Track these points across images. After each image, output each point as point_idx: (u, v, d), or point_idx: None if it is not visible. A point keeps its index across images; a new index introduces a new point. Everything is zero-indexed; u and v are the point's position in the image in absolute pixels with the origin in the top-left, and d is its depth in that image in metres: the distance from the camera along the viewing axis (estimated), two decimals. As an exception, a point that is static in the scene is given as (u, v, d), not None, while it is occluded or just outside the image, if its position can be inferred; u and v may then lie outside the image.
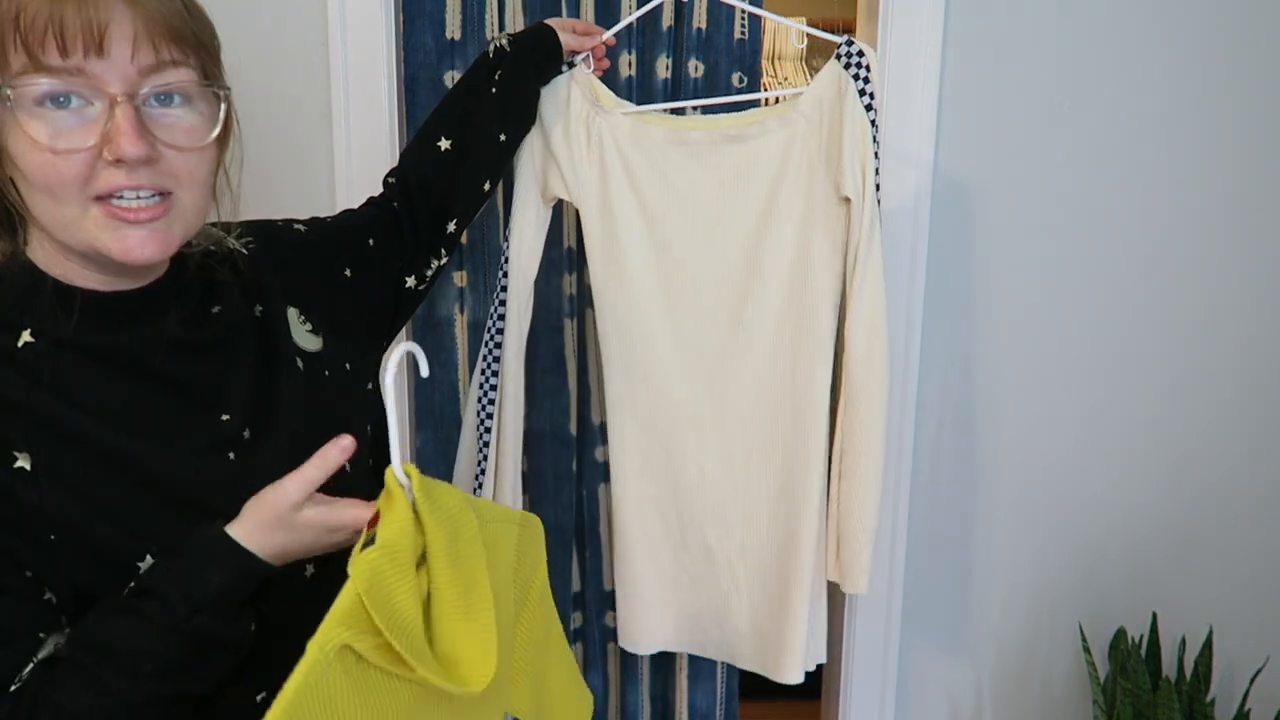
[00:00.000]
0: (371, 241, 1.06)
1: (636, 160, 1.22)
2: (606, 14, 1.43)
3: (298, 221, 1.02)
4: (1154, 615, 1.54)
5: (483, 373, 1.30)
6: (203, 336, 0.82)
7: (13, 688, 0.69)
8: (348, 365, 0.95)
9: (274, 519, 0.73)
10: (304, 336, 0.92)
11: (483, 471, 1.32)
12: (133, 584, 0.73)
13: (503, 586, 0.80)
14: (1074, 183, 1.46)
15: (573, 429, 1.53)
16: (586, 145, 1.23)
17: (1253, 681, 1.48)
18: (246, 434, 0.81)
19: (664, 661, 1.65)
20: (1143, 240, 1.47)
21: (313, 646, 0.63)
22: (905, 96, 1.41)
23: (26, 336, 0.74)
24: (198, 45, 0.74)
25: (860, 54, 1.14)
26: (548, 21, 1.22)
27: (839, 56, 1.15)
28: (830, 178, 1.17)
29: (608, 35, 1.25)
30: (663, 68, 1.43)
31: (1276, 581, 1.57)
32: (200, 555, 0.72)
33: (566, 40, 1.22)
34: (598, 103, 1.23)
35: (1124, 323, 1.50)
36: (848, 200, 1.15)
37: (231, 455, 0.80)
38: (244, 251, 0.91)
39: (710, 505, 1.28)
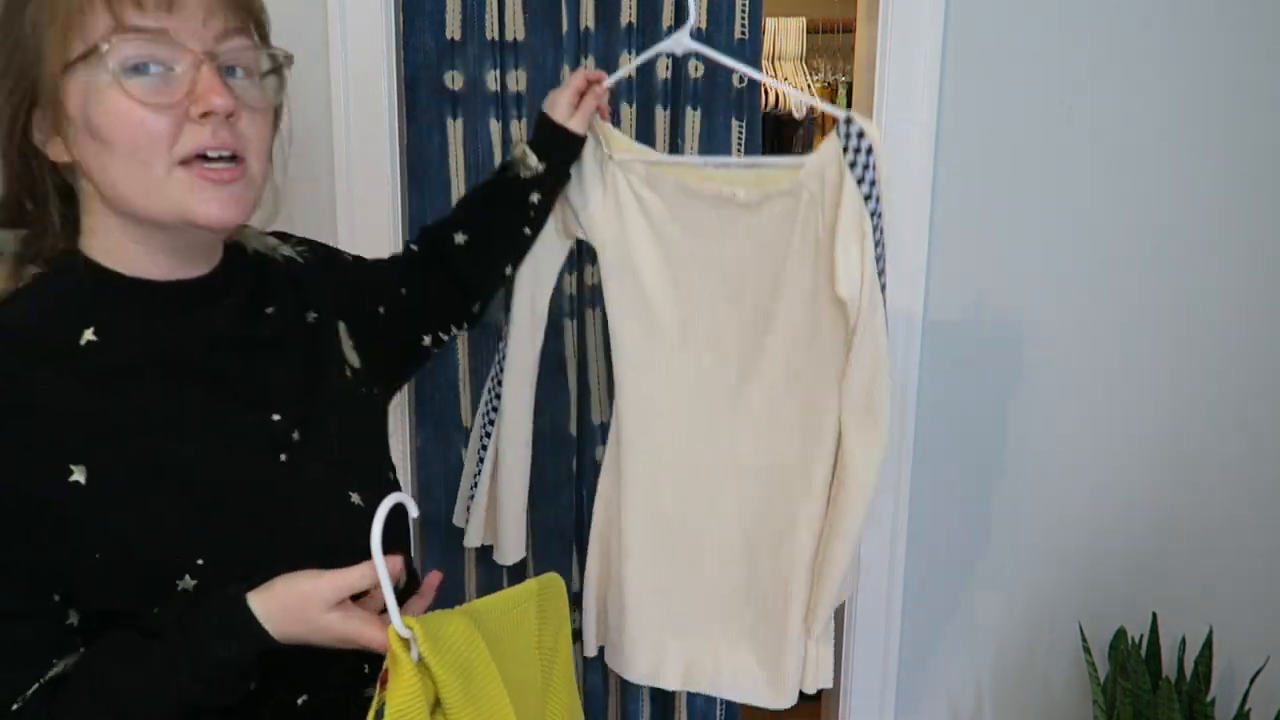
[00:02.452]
0: (403, 291, 1.07)
1: (654, 204, 1.19)
2: (606, 13, 1.43)
3: (344, 252, 1.05)
4: (1154, 615, 1.54)
5: (487, 394, 1.31)
6: (255, 333, 0.83)
7: (15, 706, 0.70)
8: (375, 391, 0.97)
9: (299, 610, 0.72)
10: (350, 351, 0.93)
11: (475, 486, 1.33)
12: (155, 612, 0.73)
13: (525, 670, 0.80)
14: (1074, 183, 1.46)
15: (573, 429, 1.53)
16: (602, 191, 1.20)
17: (1253, 681, 1.48)
18: (296, 436, 0.82)
19: (664, 661, 1.65)
20: (1143, 240, 1.47)
21: None
22: (905, 97, 1.41)
23: (89, 335, 0.74)
24: (257, 19, 0.78)
25: (861, 135, 1.02)
26: (546, 107, 1.15)
27: (839, 135, 1.05)
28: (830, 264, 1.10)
29: (609, 82, 1.17)
30: (663, 67, 1.44)
31: (1276, 581, 1.57)
32: (216, 623, 0.72)
33: (567, 106, 1.14)
34: (610, 149, 1.20)
35: (1124, 323, 1.50)
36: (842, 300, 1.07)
37: (283, 457, 0.80)
38: (299, 260, 0.94)
39: (710, 542, 1.26)
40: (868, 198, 1.04)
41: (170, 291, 0.78)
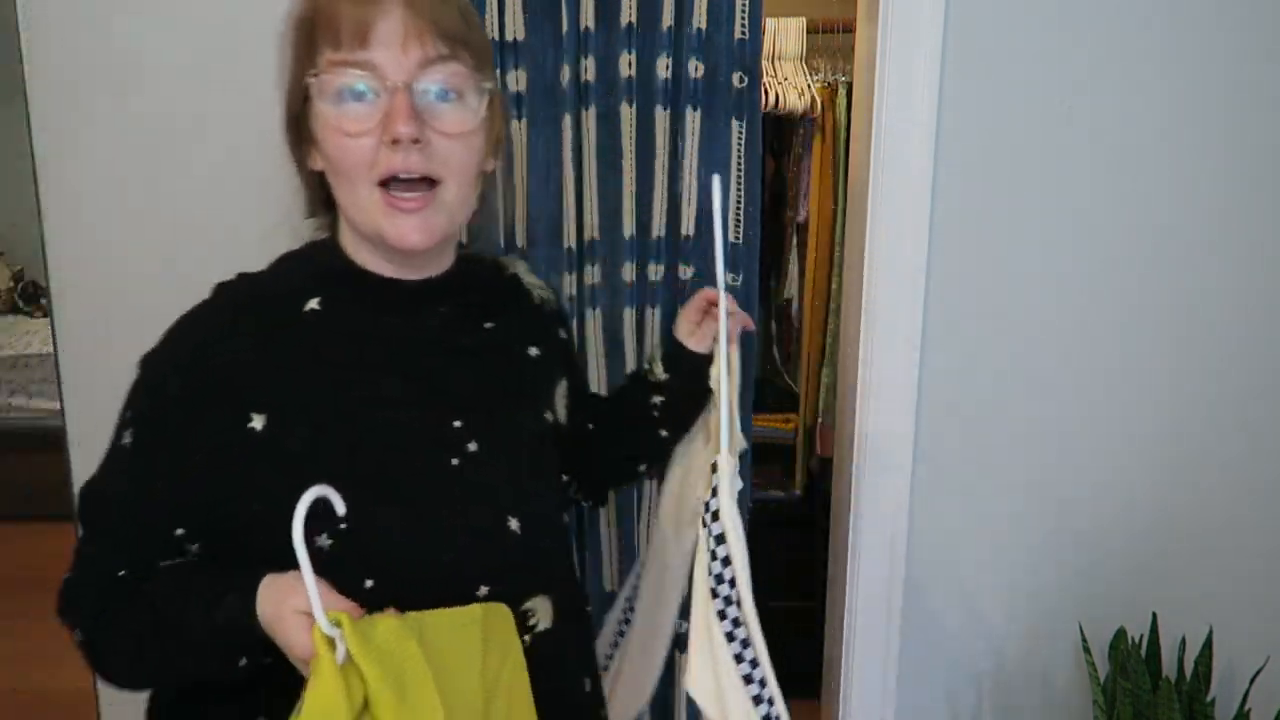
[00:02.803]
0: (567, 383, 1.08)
1: None
2: (606, 13, 1.43)
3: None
4: (1154, 615, 1.53)
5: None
6: (462, 341, 0.90)
7: (121, 573, 0.81)
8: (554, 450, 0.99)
9: (282, 593, 0.73)
10: (561, 406, 0.98)
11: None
12: (219, 568, 0.80)
13: (467, 692, 0.78)
14: (1074, 183, 1.46)
15: (573, 429, 1.54)
16: None
17: (1253, 681, 1.48)
18: (473, 446, 0.86)
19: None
20: (1143, 240, 1.47)
21: None
22: (905, 97, 1.41)
23: (313, 304, 0.84)
24: (467, 44, 0.81)
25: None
26: (679, 332, 1.08)
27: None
28: None
29: (727, 309, 1.01)
30: (663, 67, 1.44)
31: (1276, 581, 1.57)
32: (238, 581, 0.76)
33: (687, 324, 1.08)
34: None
35: (1124, 323, 1.50)
36: None
37: (454, 461, 0.84)
38: (531, 292, 1.00)
39: None
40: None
41: (389, 287, 0.86)
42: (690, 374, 1.06)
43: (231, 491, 0.79)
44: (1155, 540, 1.57)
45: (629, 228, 1.50)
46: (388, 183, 0.79)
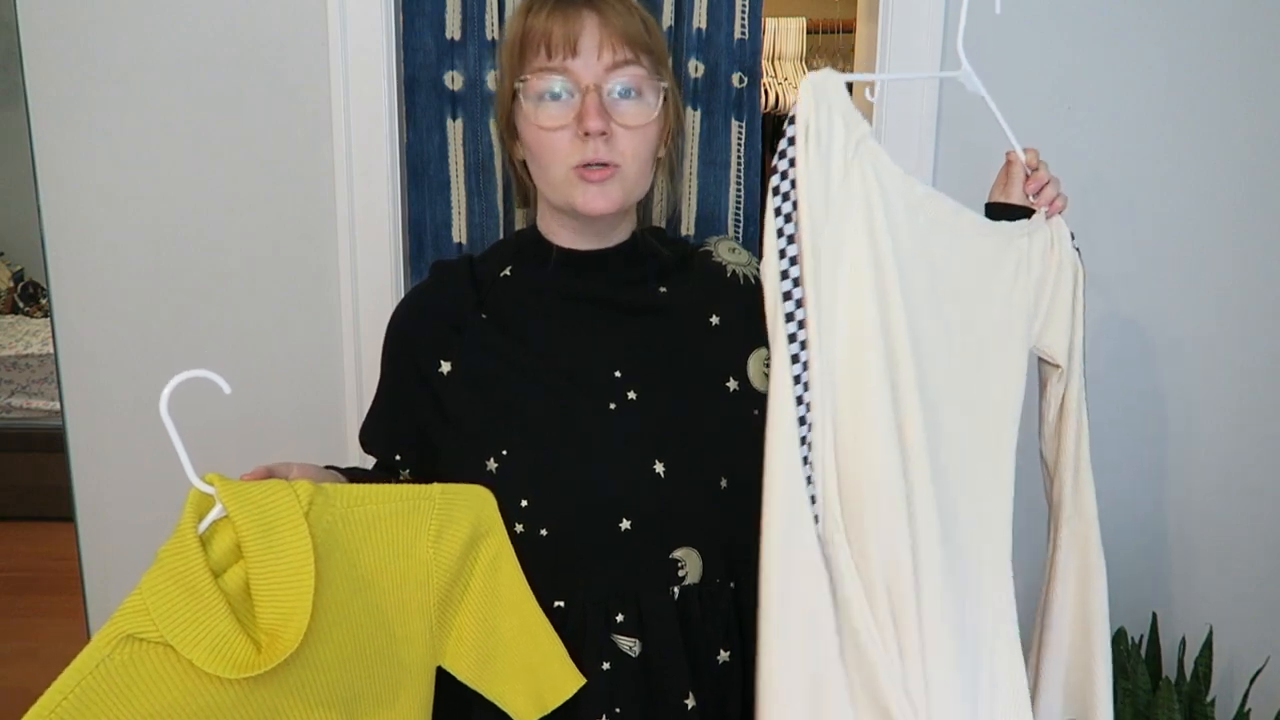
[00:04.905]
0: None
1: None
2: (606, 14, 1.42)
3: None
4: (1154, 615, 1.54)
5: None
6: (630, 300, 1.01)
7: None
8: (755, 413, 0.94)
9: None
10: (756, 373, 1.00)
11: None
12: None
13: (392, 568, 0.84)
14: (1075, 183, 1.45)
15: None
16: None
17: (1253, 681, 1.48)
18: (632, 395, 0.96)
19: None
20: (1143, 241, 1.47)
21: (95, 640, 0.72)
22: (905, 97, 1.41)
23: (506, 271, 1.03)
24: (648, 50, 0.96)
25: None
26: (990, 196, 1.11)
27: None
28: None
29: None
30: (663, 68, 1.44)
31: (1276, 581, 1.57)
32: None
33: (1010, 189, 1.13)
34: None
35: (1123, 323, 1.50)
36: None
37: (611, 406, 0.95)
38: (725, 267, 1.06)
39: None
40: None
41: (572, 255, 1.01)
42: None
43: (431, 422, 0.98)
44: (1155, 540, 1.57)
45: (629, 228, 1.50)
46: (576, 166, 0.94)
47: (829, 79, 0.85)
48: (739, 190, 1.50)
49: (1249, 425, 1.52)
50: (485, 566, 0.89)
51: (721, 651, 0.99)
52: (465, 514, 0.88)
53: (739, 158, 1.49)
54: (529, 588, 0.91)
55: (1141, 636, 1.53)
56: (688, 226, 1.49)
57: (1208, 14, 1.40)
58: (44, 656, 2.07)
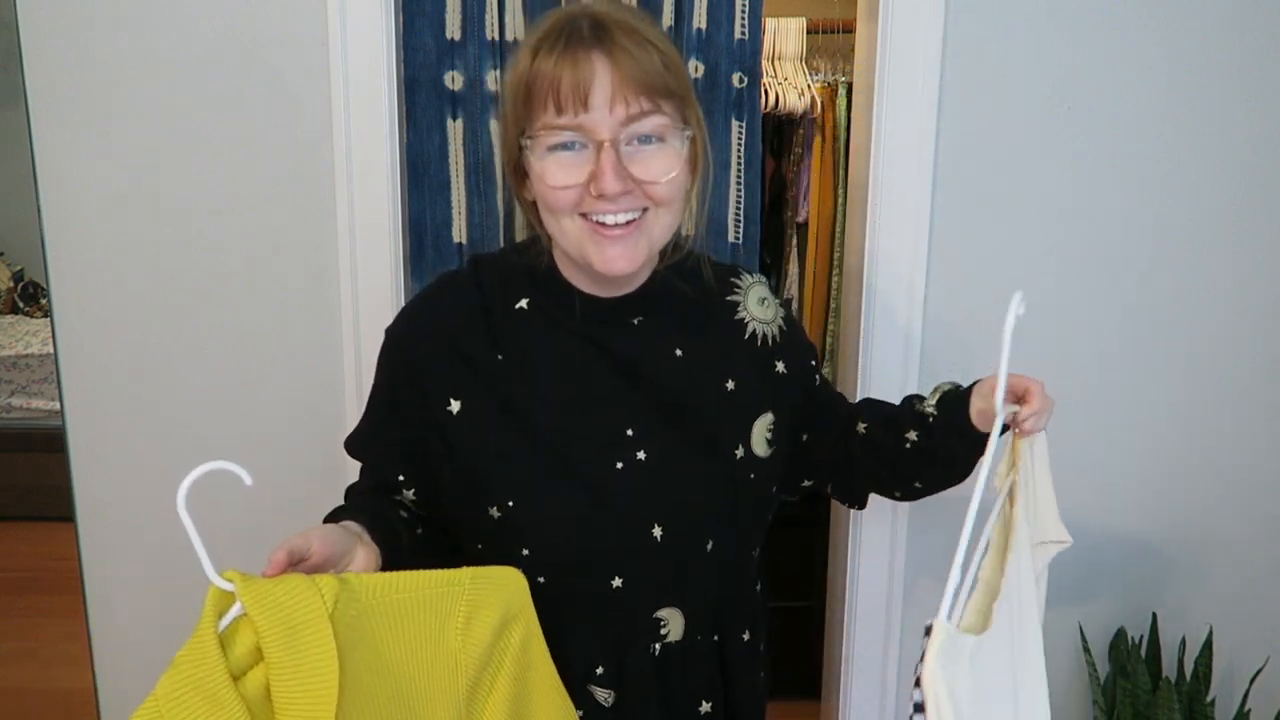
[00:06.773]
0: (824, 435, 1.09)
1: None
2: (606, 14, 1.42)
3: (814, 351, 1.12)
4: (1154, 615, 1.54)
5: None
6: (651, 365, 0.95)
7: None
8: (769, 479, 1.01)
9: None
10: (760, 439, 0.99)
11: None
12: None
13: (420, 661, 0.81)
14: (1075, 183, 1.46)
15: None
16: None
17: (1253, 681, 1.48)
18: (641, 455, 0.93)
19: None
20: (1144, 242, 1.47)
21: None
22: (905, 97, 1.41)
23: (522, 304, 0.96)
24: (669, 95, 0.87)
25: None
26: (980, 387, 1.01)
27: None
28: None
29: (1038, 420, 1.02)
30: (663, 68, 1.43)
31: (1276, 581, 1.57)
32: None
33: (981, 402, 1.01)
34: None
35: (1124, 323, 1.50)
36: None
37: (619, 465, 0.92)
38: (747, 325, 1.02)
39: None
40: None
41: (587, 301, 0.95)
42: (953, 430, 1.01)
43: (436, 454, 0.94)
44: (1155, 541, 1.57)
45: (629, 228, 1.50)
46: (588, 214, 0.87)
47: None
48: (739, 190, 1.50)
49: (1249, 425, 1.52)
50: (515, 652, 0.86)
51: (704, 703, 0.99)
52: (496, 598, 0.85)
53: (739, 158, 1.49)
54: (557, 673, 0.89)
55: (1141, 636, 1.53)
56: (687, 227, 1.49)
57: (1208, 14, 1.40)
58: (44, 656, 2.07)
